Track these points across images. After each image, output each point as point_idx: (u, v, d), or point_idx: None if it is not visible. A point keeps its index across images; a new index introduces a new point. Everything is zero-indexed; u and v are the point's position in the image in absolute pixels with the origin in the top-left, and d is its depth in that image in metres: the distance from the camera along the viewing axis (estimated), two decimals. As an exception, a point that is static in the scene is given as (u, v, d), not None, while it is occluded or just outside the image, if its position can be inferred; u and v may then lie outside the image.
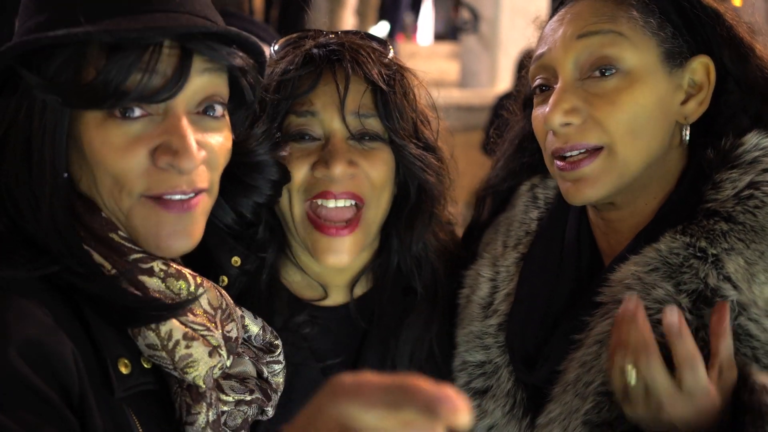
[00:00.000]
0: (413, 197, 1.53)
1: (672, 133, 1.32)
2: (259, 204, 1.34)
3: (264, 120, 1.42)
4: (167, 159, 1.07)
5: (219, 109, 1.14)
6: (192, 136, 1.08)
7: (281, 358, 1.32)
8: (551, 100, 1.29)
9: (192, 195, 1.12)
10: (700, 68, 1.31)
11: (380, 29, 8.97)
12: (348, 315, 1.56)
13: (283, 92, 1.42)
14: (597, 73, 1.27)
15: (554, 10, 1.39)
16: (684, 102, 1.31)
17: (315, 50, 1.45)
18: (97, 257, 1.08)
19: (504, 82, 7.94)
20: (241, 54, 1.13)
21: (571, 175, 1.31)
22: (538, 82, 1.36)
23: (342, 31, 1.52)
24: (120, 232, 1.11)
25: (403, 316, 1.54)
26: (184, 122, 1.08)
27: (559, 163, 1.32)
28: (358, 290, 1.58)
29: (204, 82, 1.11)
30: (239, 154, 1.23)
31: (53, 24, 1.03)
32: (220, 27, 1.11)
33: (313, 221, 1.45)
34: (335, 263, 1.46)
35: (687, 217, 1.27)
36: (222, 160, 1.16)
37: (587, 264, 1.40)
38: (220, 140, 1.15)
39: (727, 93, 1.32)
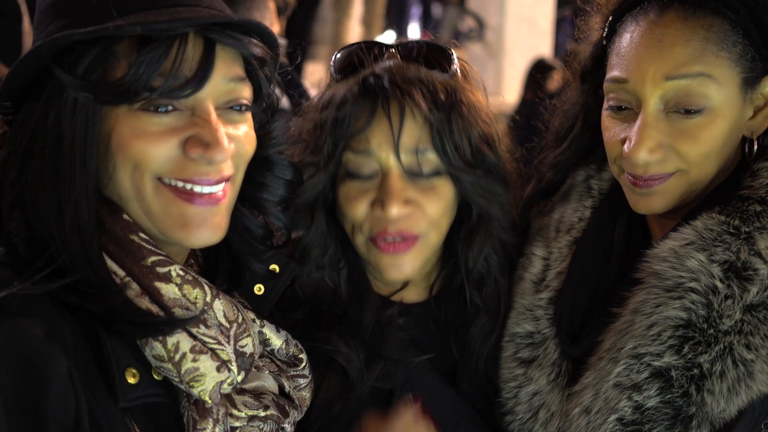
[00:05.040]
0: (474, 218, 1.54)
1: (738, 145, 1.37)
2: (278, 203, 1.32)
3: (324, 153, 1.45)
4: (199, 151, 1.07)
5: (243, 107, 1.16)
6: (222, 129, 1.09)
7: (307, 371, 1.31)
8: (636, 135, 1.32)
9: (219, 187, 1.13)
10: None
11: (386, 39, 9.00)
12: (425, 314, 1.59)
13: (339, 129, 1.44)
14: (683, 111, 1.30)
15: (628, 8, 1.38)
16: (752, 117, 1.35)
17: (370, 80, 1.44)
18: (110, 264, 1.07)
19: (509, 89, 7.96)
20: (260, 44, 1.14)
21: (642, 192, 1.36)
22: (614, 102, 1.37)
23: (401, 45, 1.51)
24: (141, 234, 1.10)
25: (464, 327, 1.57)
26: (214, 115, 1.09)
27: (630, 177, 1.37)
28: (434, 290, 1.61)
29: (228, 77, 1.12)
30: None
31: (79, 24, 1.04)
32: (241, 18, 1.12)
33: (374, 243, 1.48)
34: (398, 278, 1.50)
35: (724, 201, 1.33)
36: (249, 148, 1.17)
37: (637, 249, 1.43)
38: (246, 130, 1.16)
39: None
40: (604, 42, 1.41)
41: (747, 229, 1.27)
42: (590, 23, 1.47)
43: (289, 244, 1.46)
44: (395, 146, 1.41)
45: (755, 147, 1.36)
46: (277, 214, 1.30)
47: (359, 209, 1.45)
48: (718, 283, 1.24)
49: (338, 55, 1.53)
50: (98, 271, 1.05)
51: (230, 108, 1.12)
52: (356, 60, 1.48)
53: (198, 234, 1.11)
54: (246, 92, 1.14)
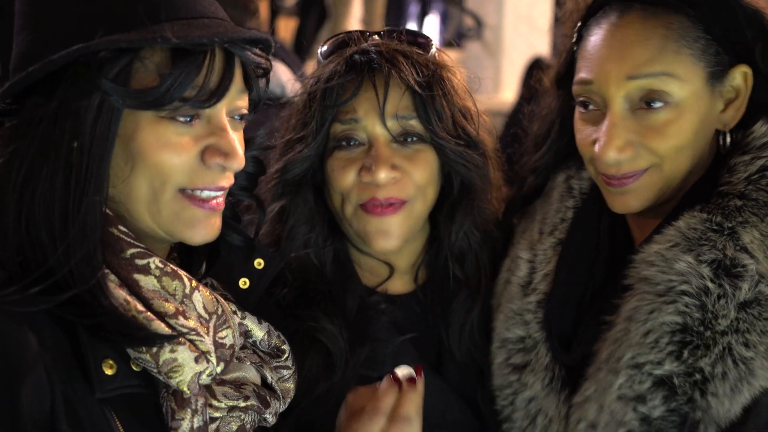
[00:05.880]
0: (456, 190, 1.60)
1: (712, 140, 1.40)
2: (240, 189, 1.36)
3: (312, 127, 1.51)
4: (219, 160, 1.15)
5: (243, 117, 1.22)
6: (236, 140, 1.17)
7: (290, 363, 1.33)
8: (604, 135, 1.35)
9: (219, 193, 1.19)
10: (739, 76, 1.37)
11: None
12: (410, 303, 1.63)
13: (328, 100, 1.51)
14: (647, 105, 1.34)
15: (593, 12, 1.43)
16: (723, 110, 1.38)
17: (357, 56, 1.52)
18: None
19: (508, 88, 7.96)
20: (264, 55, 1.22)
21: (617, 191, 1.39)
22: (582, 100, 1.42)
23: (385, 31, 1.59)
24: (120, 227, 1.13)
25: (448, 303, 1.62)
26: (229, 126, 1.16)
27: (605, 177, 1.40)
28: (419, 280, 1.67)
29: (238, 89, 1.18)
30: None
31: (114, 27, 1.07)
32: (259, 33, 1.19)
33: (363, 207, 1.53)
34: (385, 246, 1.53)
35: (704, 199, 1.35)
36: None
37: (621, 251, 1.45)
38: (240, 139, 1.22)
39: (754, 90, 1.39)
40: (574, 48, 1.44)
41: (730, 225, 1.28)
42: (563, 30, 1.51)
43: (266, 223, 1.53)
44: (381, 113, 1.47)
45: (728, 140, 1.39)
46: (240, 194, 1.35)
47: (347, 178, 1.50)
48: (709, 284, 1.25)
49: (325, 46, 1.60)
50: (96, 286, 1.06)
51: (232, 117, 1.18)
52: (343, 43, 1.57)
53: (202, 233, 1.18)
54: (246, 102, 1.20)
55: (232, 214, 1.36)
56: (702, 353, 1.24)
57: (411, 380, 1.32)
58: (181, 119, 1.12)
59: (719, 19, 1.34)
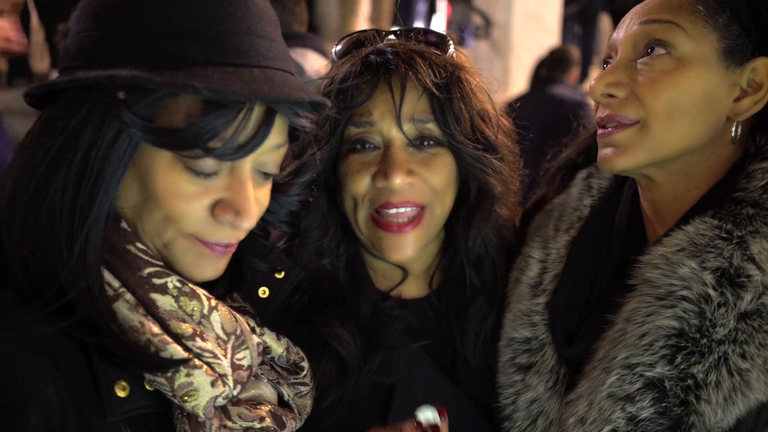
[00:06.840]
0: (473, 196, 1.56)
1: (723, 128, 1.36)
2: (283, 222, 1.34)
3: (326, 129, 1.47)
4: (228, 217, 1.08)
5: (271, 175, 1.17)
6: (253, 197, 1.10)
7: (308, 379, 1.30)
8: (601, 72, 1.39)
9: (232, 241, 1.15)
10: (762, 69, 1.34)
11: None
12: (424, 308, 1.60)
13: (342, 102, 1.46)
14: (648, 51, 1.34)
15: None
16: (738, 99, 1.35)
17: (372, 57, 1.47)
18: (105, 274, 1.06)
19: (516, 87, 7.94)
20: (311, 117, 1.15)
21: (604, 141, 1.38)
22: (605, 58, 1.45)
23: (402, 30, 1.54)
24: (138, 244, 1.09)
25: (463, 309, 1.59)
26: (250, 184, 1.10)
27: (598, 126, 1.40)
28: (434, 284, 1.64)
29: (274, 144, 1.11)
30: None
31: (154, 62, 1.01)
32: (311, 95, 1.10)
33: (376, 221, 1.49)
34: (399, 258, 1.50)
35: (718, 204, 1.32)
36: (262, 212, 1.18)
37: (634, 250, 1.43)
38: (266, 195, 1.17)
39: None
40: None
41: (740, 233, 1.25)
42: None
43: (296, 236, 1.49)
44: (397, 116, 1.42)
45: (739, 129, 1.36)
46: (279, 225, 1.31)
47: (361, 182, 1.46)
48: (711, 291, 1.23)
49: (339, 45, 1.55)
50: (103, 311, 1.04)
51: (259, 172, 1.12)
52: (358, 42, 1.52)
53: (204, 273, 1.14)
54: (280, 157, 1.14)
55: (264, 234, 1.33)
56: (696, 360, 1.23)
57: (434, 427, 1.29)
58: (200, 173, 1.06)
59: (751, 9, 1.33)
